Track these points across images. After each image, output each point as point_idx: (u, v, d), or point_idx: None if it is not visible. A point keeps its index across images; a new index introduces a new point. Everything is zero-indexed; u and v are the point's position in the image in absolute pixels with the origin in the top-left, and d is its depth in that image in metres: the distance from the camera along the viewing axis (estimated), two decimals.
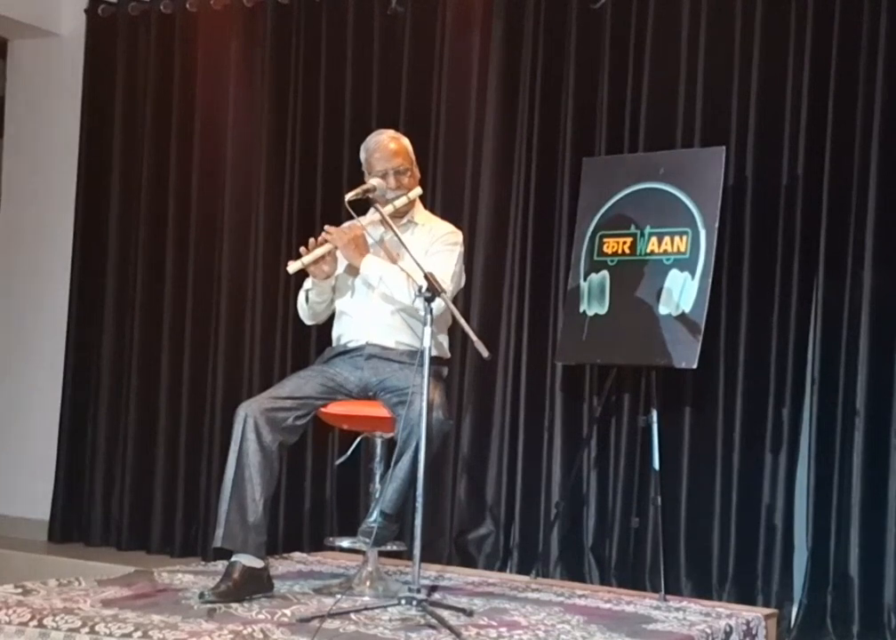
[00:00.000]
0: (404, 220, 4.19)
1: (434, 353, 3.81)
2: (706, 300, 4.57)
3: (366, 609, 3.75)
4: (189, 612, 3.64)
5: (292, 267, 4.03)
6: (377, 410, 4.05)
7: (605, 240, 4.89)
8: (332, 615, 3.59)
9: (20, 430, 6.54)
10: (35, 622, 3.48)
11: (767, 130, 4.95)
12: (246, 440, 3.85)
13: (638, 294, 4.74)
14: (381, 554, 4.19)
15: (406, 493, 3.91)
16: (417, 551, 3.64)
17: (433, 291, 3.71)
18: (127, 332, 6.19)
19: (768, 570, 4.84)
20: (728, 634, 3.97)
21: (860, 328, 4.70)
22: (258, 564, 3.88)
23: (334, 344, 4.25)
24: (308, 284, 4.20)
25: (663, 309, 4.66)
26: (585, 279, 4.91)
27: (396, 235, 3.96)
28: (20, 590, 3.85)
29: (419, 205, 4.26)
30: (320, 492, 5.70)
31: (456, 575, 4.69)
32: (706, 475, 4.96)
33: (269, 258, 5.81)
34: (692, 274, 4.61)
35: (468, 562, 5.31)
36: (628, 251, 4.82)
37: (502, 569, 5.28)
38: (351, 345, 4.17)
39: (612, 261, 4.87)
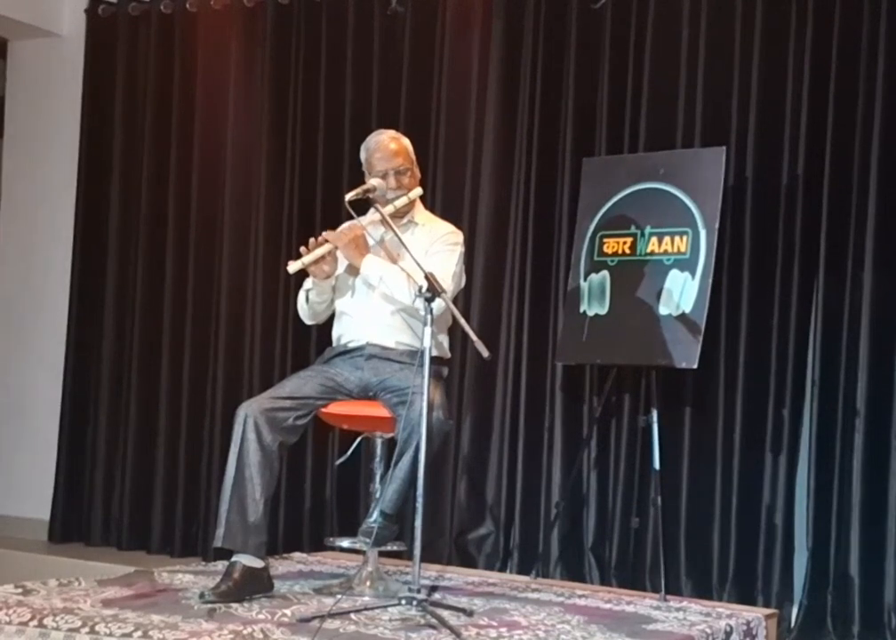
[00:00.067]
0: (405, 220, 4.18)
1: (434, 353, 3.81)
2: (706, 301, 4.57)
3: (366, 609, 3.75)
4: (189, 611, 3.64)
5: (292, 267, 4.02)
6: (377, 410, 4.05)
7: (605, 240, 4.89)
8: (332, 615, 3.59)
9: (20, 430, 6.54)
10: (35, 622, 3.48)
11: (767, 130, 4.95)
12: (246, 440, 3.85)
13: (638, 294, 4.74)
14: (381, 554, 4.19)
15: (406, 493, 3.91)
16: (417, 551, 3.63)
17: (433, 291, 3.70)
18: (127, 332, 6.19)
19: (768, 570, 4.84)
20: (728, 634, 3.97)
21: (861, 329, 4.70)
22: (258, 563, 3.88)
23: (334, 344, 4.25)
24: (308, 283, 4.20)
25: (663, 309, 4.66)
26: (585, 279, 4.91)
27: (397, 235, 3.96)
28: (20, 590, 3.85)
29: (419, 205, 4.26)
30: (320, 492, 5.70)
31: (456, 575, 4.69)
32: (706, 475, 4.96)
33: (269, 258, 5.81)
34: (693, 274, 4.61)
35: (468, 562, 5.31)
36: (628, 251, 4.82)
37: (502, 569, 5.27)
38: (351, 345, 4.16)
39: (612, 261, 4.87)
